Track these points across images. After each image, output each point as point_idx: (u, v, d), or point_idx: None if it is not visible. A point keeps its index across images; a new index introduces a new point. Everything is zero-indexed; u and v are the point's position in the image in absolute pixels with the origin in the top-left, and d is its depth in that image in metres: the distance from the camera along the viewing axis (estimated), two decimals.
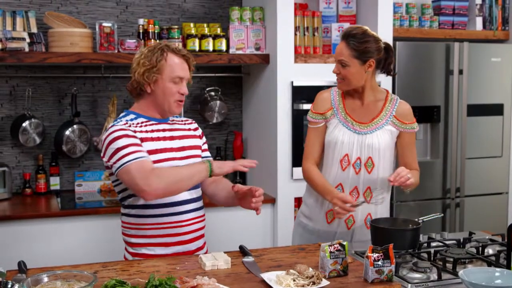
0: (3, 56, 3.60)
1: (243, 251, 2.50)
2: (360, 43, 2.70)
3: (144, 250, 2.56)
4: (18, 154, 4.11)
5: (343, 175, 2.80)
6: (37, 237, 3.51)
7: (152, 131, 2.56)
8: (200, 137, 2.75)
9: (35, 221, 3.53)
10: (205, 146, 2.77)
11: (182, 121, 2.74)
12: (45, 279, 1.99)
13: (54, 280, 1.99)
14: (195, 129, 2.76)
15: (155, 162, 2.47)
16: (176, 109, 2.58)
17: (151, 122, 2.59)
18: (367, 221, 2.79)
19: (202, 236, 2.68)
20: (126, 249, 2.64)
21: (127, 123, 2.52)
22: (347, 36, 2.73)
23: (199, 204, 2.66)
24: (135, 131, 2.50)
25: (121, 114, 2.62)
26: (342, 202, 2.63)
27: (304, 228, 2.94)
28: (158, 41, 3.94)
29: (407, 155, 2.87)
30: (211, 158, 2.63)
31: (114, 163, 2.43)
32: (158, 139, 2.56)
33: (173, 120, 2.69)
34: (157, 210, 2.53)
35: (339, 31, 4.24)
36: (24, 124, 3.91)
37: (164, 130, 2.61)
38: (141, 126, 2.55)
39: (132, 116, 2.58)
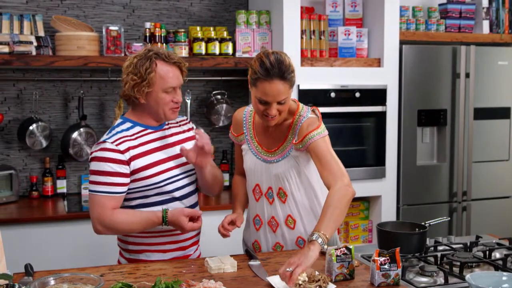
0: (11, 59, 3.61)
1: (249, 255, 2.50)
2: (292, 71, 2.41)
3: (142, 257, 2.55)
4: (25, 157, 4.13)
5: (258, 205, 2.65)
6: (43, 240, 3.52)
7: (148, 142, 2.51)
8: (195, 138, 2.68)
9: (41, 224, 3.55)
10: None
11: (177, 122, 2.69)
12: (52, 282, 1.99)
13: (61, 283, 2.00)
14: (189, 130, 2.70)
15: (150, 176, 2.45)
16: (172, 115, 2.53)
17: (147, 131, 2.54)
18: (298, 243, 2.64)
19: (197, 242, 2.69)
20: (121, 253, 2.64)
21: (121, 139, 2.45)
22: (280, 73, 2.36)
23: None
24: (128, 149, 2.44)
25: (118, 122, 2.56)
26: (223, 221, 2.58)
27: (245, 242, 2.83)
28: (164, 44, 3.96)
29: (320, 169, 2.47)
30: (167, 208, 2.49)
31: (89, 182, 2.47)
32: (154, 150, 2.50)
33: (169, 123, 2.64)
34: None
35: (345, 34, 4.24)
36: (31, 127, 3.92)
37: (159, 138, 2.56)
38: (137, 138, 2.49)
39: (128, 124, 2.53)
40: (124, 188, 2.45)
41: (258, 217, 2.68)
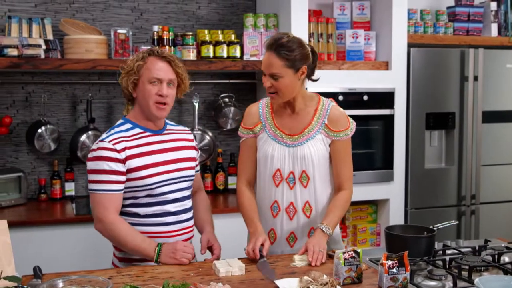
0: (20, 62, 3.63)
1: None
2: (291, 51, 2.53)
3: (129, 255, 2.57)
4: (34, 160, 4.14)
5: (277, 191, 2.69)
6: (52, 242, 3.53)
7: (145, 144, 2.54)
8: (195, 148, 2.76)
9: (50, 226, 3.56)
10: (198, 160, 2.79)
11: (179, 130, 2.74)
12: (60, 285, 2.00)
13: (69, 286, 2.00)
14: (191, 140, 2.75)
15: (143, 178, 2.49)
16: (156, 111, 2.53)
17: (146, 134, 2.57)
18: (310, 235, 2.68)
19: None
20: (114, 253, 2.66)
21: (118, 138, 2.50)
22: (275, 46, 2.53)
23: (188, 215, 2.66)
24: (124, 148, 2.48)
25: (118, 122, 2.61)
26: (256, 244, 2.54)
27: None
28: (172, 47, 3.97)
29: (339, 165, 2.71)
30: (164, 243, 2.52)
31: (88, 181, 2.52)
32: (150, 153, 2.53)
33: (170, 130, 2.68)
34: (147, 219, 2.54)
35: (353, 37, 4.24)
36: (39, 130, 3.94)
37: (158, 142, 2.59)
38: (134, 140, 2.53)
39: (128, 125, 2.57)
40: (122, 186, 2.49)
41: (276, 204, 2.71)
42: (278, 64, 2.53)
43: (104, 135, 2.54)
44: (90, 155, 2.52)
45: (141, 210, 2.53)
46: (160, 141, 2.59)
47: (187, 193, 2.66)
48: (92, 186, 2.49)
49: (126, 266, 2.54)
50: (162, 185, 2.53)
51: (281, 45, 2.53)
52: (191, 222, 2.68)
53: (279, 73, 2.54)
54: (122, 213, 2.55)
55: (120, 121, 2.62)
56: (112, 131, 2.54)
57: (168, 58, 2.55)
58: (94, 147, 2.52)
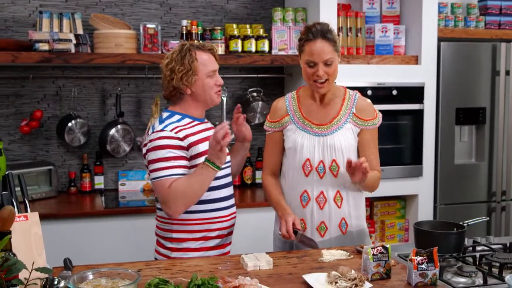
0: (50, 57, 3.67)
1: (295, 232, 2.59)
2: (334, 35, 2.65)
3: (185, 245, 2.63)
4: (64, 153, 4.20)
5: (307, 181, 2.71)
6: (82, 235, 3.58)
7: (200, 131, 2.65)
8: None
9: (80, 219, 3.60)
10: None
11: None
12: (90, 277, 2.02)
13: (99, 278, 2.02)
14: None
15: None
16: (217, 99, 2.71)
17: (196, 122, 2.67)
18: (341, 226, 2.73)
19: (232, 233, 2.78)
20: (160, 244, 2.70)
21: (176, 128, 2.57)
22: (321, 33, 2.61)
23: (233, 201, 2.77)
24: (186, 136, 2.56)
25: (166, 115, 2.65)
26: (288, 225, 2.60)
27: (280, 238, 2.81)
28: (200, 42, 3.98)
29: (368, 154, 2.73)
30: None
31: (151, 171, 2.55)
32: (206, 139, 2.62)
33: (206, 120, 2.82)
34: (202, 206, 2.61)
35: (382, 31, 4.21)
36: (69, 124, 3.98)
37: (205, 129, 2.71)
38: (190, 127, 2.62)
39: (178, 117, 2.64)
40: (186, 171, 2.55)
41: (306, 193, 2.72)
42: (329, 49, 2.61)
43: (161, 126, 2.58)
44: (150, 145, 2.55)
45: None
46: (206, 128, 2.71)
47: (230, 179, 2.77)
48: (155, 174, 2.52)
49: (181, 255, 2.61)
50: (221, 167, 2.58)
51: (327, 31, 2.63)
52: (235, 209, 2.78)
53: (332, 58, 2.62)
54: None
55: (166, 114, 2.67)
56: (167, 122, 2.61)
57: (211, 50, 2.70)
58: (154, 136, 2.56)
